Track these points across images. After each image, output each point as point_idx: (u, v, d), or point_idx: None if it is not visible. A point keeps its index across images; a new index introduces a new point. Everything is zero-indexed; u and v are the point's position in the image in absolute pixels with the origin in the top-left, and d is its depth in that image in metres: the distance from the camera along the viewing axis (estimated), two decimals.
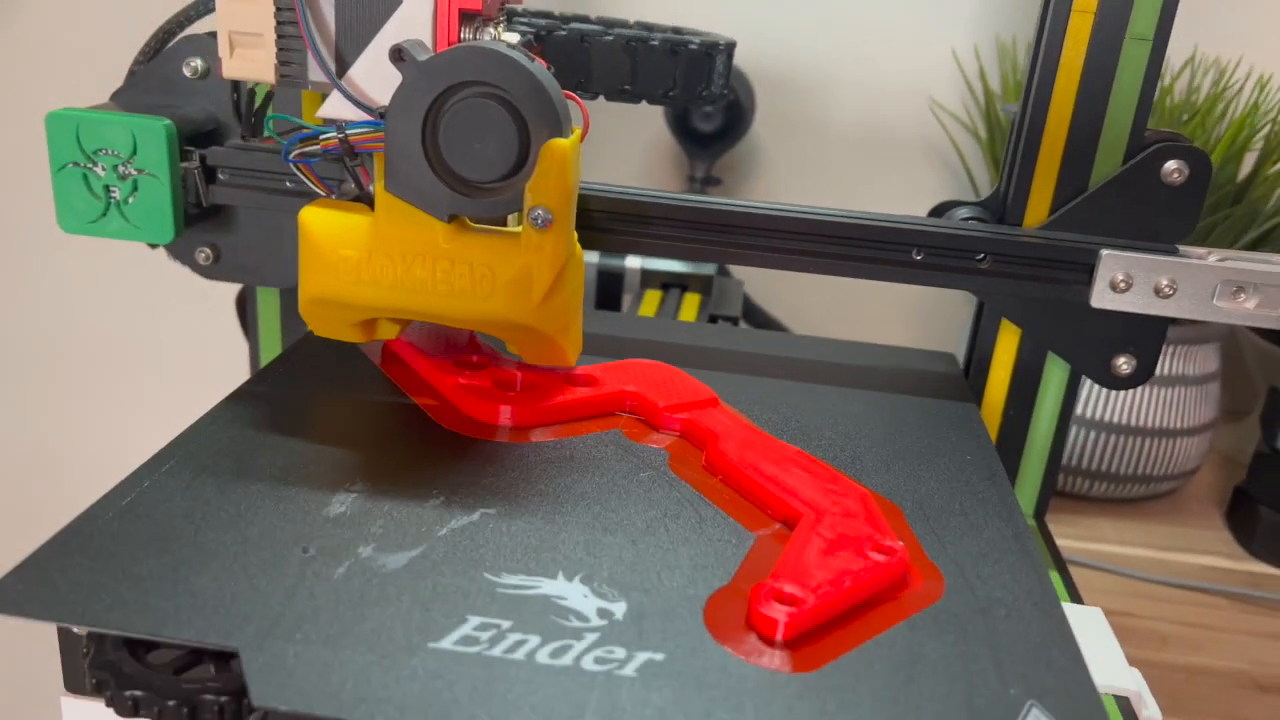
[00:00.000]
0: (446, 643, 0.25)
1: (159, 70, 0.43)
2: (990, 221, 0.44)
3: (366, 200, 0.35)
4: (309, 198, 0.43)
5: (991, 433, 0.46)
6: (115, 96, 0.43)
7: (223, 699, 0.25)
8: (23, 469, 0.93)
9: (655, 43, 0.50)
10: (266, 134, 0.45)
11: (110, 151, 0.40)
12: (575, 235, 0.35)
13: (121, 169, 0.41)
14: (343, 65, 0.34)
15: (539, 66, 0.32)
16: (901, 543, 0.30)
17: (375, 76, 0.34)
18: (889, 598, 0.29)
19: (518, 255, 0.34)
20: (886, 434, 0.39)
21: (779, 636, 0.26)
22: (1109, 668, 0.34)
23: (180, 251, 0.46)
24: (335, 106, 0.34)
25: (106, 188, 0.41)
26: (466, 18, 0.34)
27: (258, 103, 0.44)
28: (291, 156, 0.34)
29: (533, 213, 0.33)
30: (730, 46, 0.53)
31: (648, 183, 0.78)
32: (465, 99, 0.32)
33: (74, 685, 0.33)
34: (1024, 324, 0.44)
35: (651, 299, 0.62)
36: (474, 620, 0.26)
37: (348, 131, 0.34)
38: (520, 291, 0.34)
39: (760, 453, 0.35)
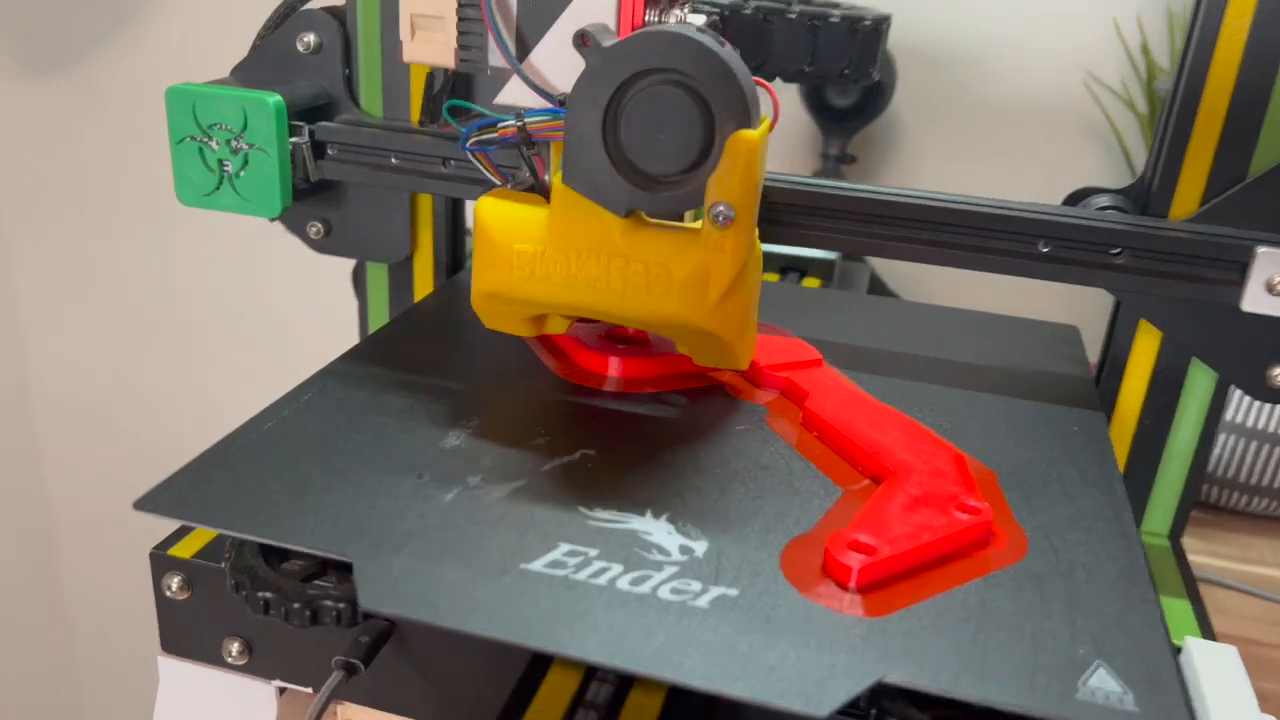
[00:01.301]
0: (537, 565, 0.27)
1: (276, 45, 0.44)
2: (1131, 212, 0.40)
3: (541, 190, 0.34)
4: (416, 176, 0.43)
5: (1125, 444, 0.42)
6: (236, 71, 0.45)
7: (341, 605, 0.28)
8: (165, 418, 0.99)
9: (836, 19, 0.47)
10: (444, 120, 0.44)
11: (223, 126, 0.41)
12: (756, 232, 0.34)
13: (234, 143, 0.42)
14: (523, 50, 0.33)
15: (730, 52, 0.30)
16: (987, 504, 0.30)
17: (557, 62, 0.33)
18: (969, 555, 0.29)
19: (695, 253, 0.32)
20: (992, 402, 0.39)
21: (852, 583, 0.27)
22: (1237, 710, 0.31)
23: (294, 224, 0.47)
24: (514, 93, 0.34)
25: (220, 161, 0.42)
26: (651, 0, 0.32)
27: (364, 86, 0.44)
28: (469, 144, 0.33)
29: (714, 209, 0.31)
30: (889, 20, 0.50)
31: (779, 159, 0.76)
32: (649, 86, 0.30)
33: (171, 647, 0.35)
34: (1165, 326, 0.40)
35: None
36: (564, 547, 0.28)
37: (526, 120, 0.32)
38: (697, 291, 0.32)
39: (856, 411, 0.35)
